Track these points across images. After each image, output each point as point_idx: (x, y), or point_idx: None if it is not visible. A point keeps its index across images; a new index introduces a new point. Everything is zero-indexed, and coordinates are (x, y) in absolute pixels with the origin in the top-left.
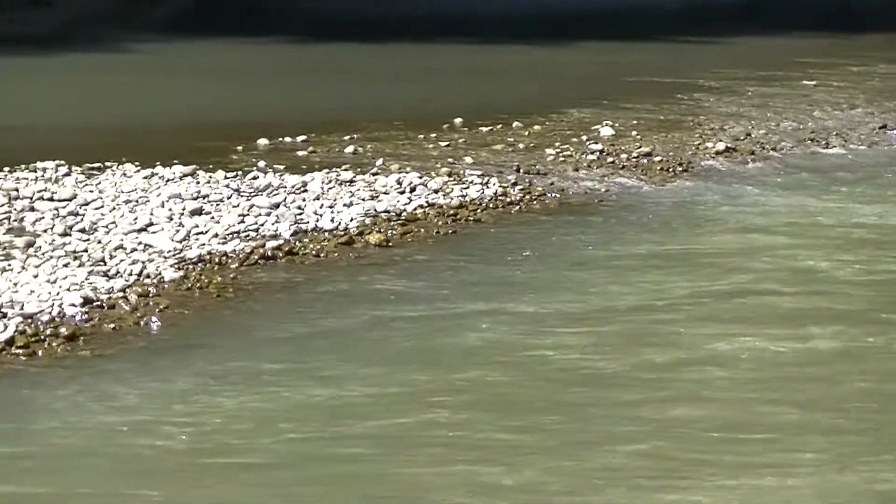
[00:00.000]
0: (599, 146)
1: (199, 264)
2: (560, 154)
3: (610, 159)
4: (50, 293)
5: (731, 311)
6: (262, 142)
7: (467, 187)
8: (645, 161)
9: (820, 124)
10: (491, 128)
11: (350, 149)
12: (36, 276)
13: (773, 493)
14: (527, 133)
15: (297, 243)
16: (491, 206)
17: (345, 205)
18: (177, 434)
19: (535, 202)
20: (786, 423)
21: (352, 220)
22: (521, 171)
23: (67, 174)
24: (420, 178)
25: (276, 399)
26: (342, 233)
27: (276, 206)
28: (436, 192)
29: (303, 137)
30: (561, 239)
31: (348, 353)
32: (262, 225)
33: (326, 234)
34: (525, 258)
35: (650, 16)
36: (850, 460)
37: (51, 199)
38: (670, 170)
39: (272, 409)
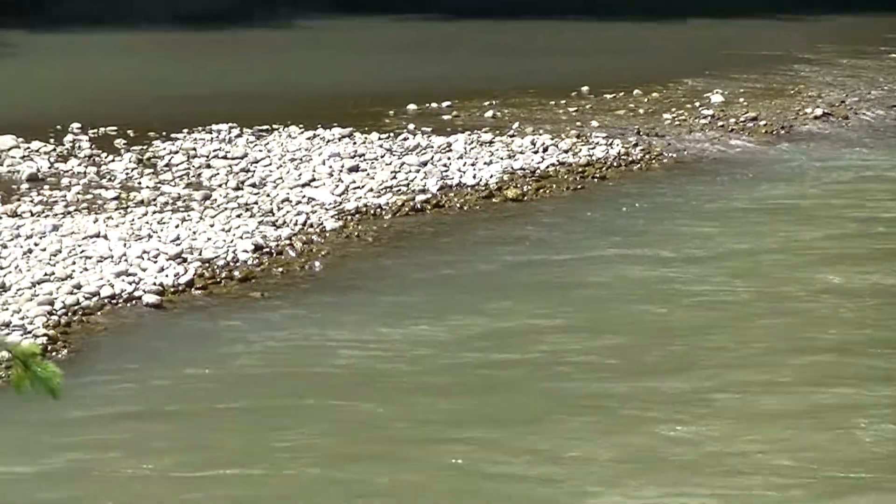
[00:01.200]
0: (710, 111)
1: (356, 215)
2: (676, 118)
3: (720, 123)
4: (224, 241)
5: (838, 250)
6: (412, 107)
7: (593, 148)
8: (751, 125)
9: None
10: (614, 95)
11: (489, 113)
12: (212, 226)
13: None
14: (646, 100)
15: (442, 197)
16: (614, 164)
17: (485, 163)
18: (347, 357)
19: (653, 161)
20: None
21: (491, 176)
22: (641, 133)
23: (239, 135)
24: (552, 139)
25: (434, 329)
26: (483, 188)
27: (424, 164)
28: (566, 151)
29: (447, 103)
30: (676, 193)
31: (492, 290)
32: (412, 181)
33: (469, 189)
34: (643, 208)
35: None
36: None
37: (225, 158)
38: (773, 132)
39: (433, 337)
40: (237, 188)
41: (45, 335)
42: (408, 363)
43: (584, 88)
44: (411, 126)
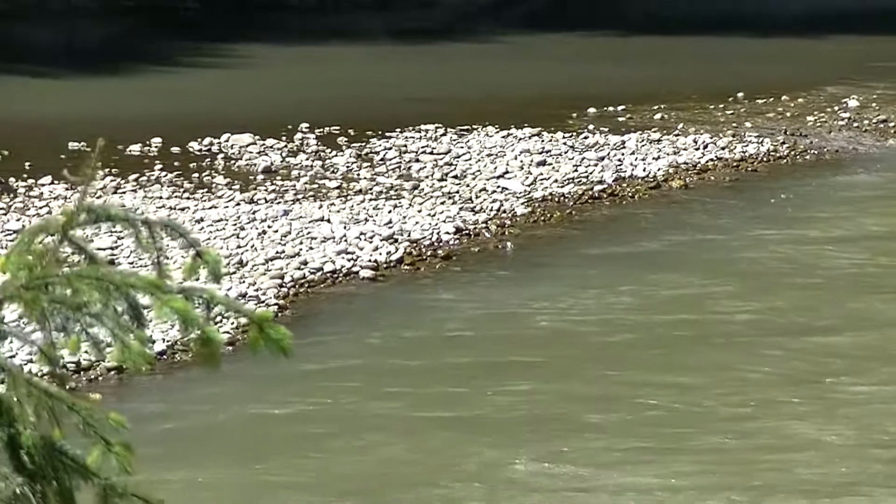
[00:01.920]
0: (847, 114)
1: (543, 203)
2: (817, 120)
3: (855, 124)
4: (430, 224)
5: None
6: (591, 110)
7: (747, 145)
8: (882, 126)
9: None
10: (765, 100)
11: (658, 116)
12: (419, 212)
13: None
14: (792, 104)
15: (617, 187)
16: (765, 159)
17: (653, 158)
18: (541, 320)
19: (798, 157)
20: None
21: (659, 169)
22: (788, 133)
23: (444, 134)
24: (711, 138)
25: (615, 297)
26: (651, 179)
27: (602, 159)
28: (723, 148)
29: (622, 107)
30: (819, 184)
31: (660, 265)
32: (591, 173)
33: (639, 180)
34: (791, 197)
35: (890, 15)
36: None
37: (431, 153)
38: None
39: (616, 303)
40: (441, 179)
41: (275, 304)
42: (596, 325)
43: (740, 94)
44: (591, 126)
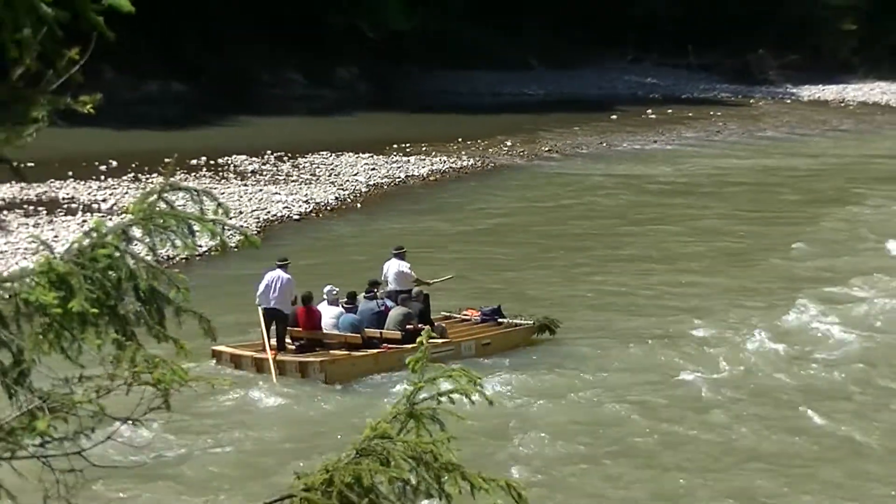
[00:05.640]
0: (508, 147)
1: (374, 187)
2: (495, 151)
3: (512, 152)
4: (324, 194)
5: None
6: (395, 145)
7: (461, 161)
8: (529, 153)
9: None
10: (474, 142)
11: (423, 147)
12: (319, 189)
13: None
14: (484, 142)
15: (407, 180)
16: (469, 168)
17: (421, 166)
18: (376, 236)
19: (481, 168)
20: None
21: (422, 171)
22: (480, 157)
23: (331, 156)
24: (445, 158)
25: (407, 224)
26: (419, 176)
27: (399, 167)
28: (451, 163)
29: (409, 145)
30: (496, 179)
31: (429, 213)
32: (395, 174)
33: (415, 177)
34: (474, 185)
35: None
36: None
37: (325, 164)
38: (548, 153)
39: (407, 228)
40: (329, 176)
41: (256, 229)
42: (391, 234)
43: (460, 139)
44: (395, 153)
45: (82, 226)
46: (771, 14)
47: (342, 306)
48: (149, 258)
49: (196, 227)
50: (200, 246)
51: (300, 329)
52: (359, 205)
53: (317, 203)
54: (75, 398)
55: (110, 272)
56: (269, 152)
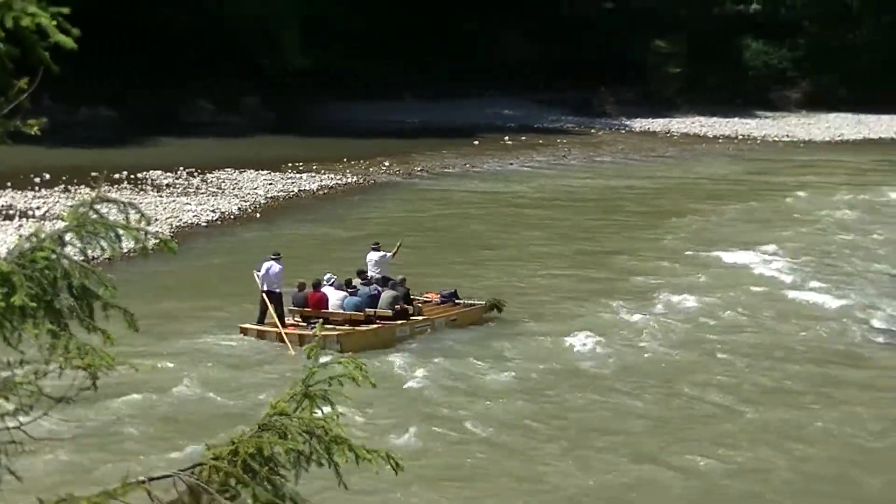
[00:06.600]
0: (385, 167)
1: (271, 199)
2: (375, 170)
3: (390, 171)
4: (228, 205)
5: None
6: (290, 164)
7: (346, 178)
8: (402, 171)
9: None
10: (356, 162)
11: (313, 167)
12: (224, 200)
13: None
14: (364, 163)
15: (299, 193)
16: (352, 184)
17: (313, 181)
18: (275, 239)
19: (365, 183)
20: None
21: (313, 185)
22: (361, 175)
23: (235, 172)
24: (333, 175)
25: (292, 232)
26: (313, 190)
27: (293, 182)
28: (338, 179)
29: (302, 164)
30: (375, 196)
31: (321, 221)
32: (289, 188)
33: (307, 191)
34: (364, 198)
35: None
36: None
37: (230, 179)
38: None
39: (294, 233)
40: (232, 188)
41: (170, 234)
42: (291, 238)
43: (345, 159)
44: (290, 170)
45: (19, 230)
46: (611, 58)
47: (346, 290)
48: (80, 259)
49: (122, 233)
50: (124, 250)
51: (310, 309)
52: (258, 214)
53: (222, 212)
54: (16, 380)
55: (47, 271)
56: (181, 168)
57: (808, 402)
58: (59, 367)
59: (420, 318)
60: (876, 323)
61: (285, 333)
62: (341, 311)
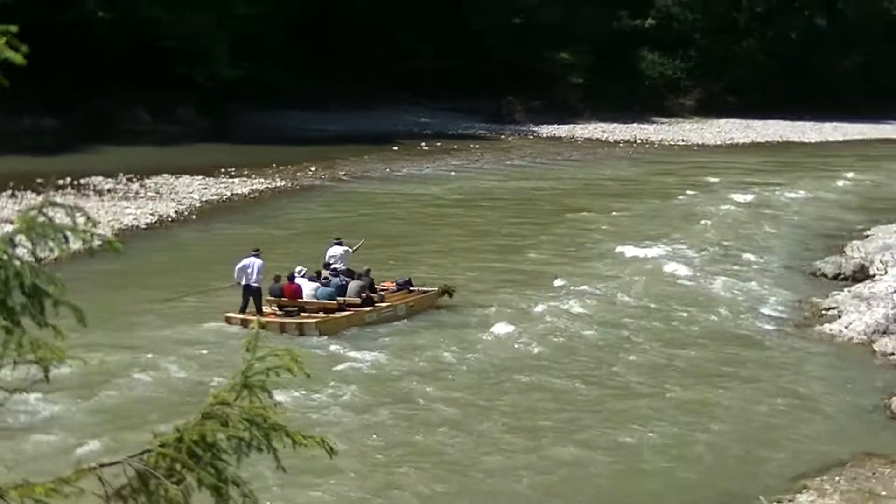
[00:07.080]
0: (318, 175)
1: (205, 202)
2: (323, 173)
3: (324, 176)
4: (166, 208)
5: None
6: (223, 169)
7: (286, 182)
8: (336, 176)
9: None
10: (296, 167)
11: (245, 172)
12: (162, 204)
13: None
14: (314, 168)
15: (232, 197)
16: (288, 187)
17: (249, 184)
18: (217, 239)
19: (306, 183)
20: None
21: (246, 189)
22: (307, 178)
23: (171, 178)
24: (264, 179)
25: (233, 232)
26: (247, 193)
27: (226, 187)
28: (269, 184)
29: (234, 169)
30: (316, 194)
31: (259, 221)
32: (222, 192)
33: (241, 195)
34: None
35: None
36: None
37: (168, 184)
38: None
39: (237, 232)
40: (169, 193)
41: (113, 236)
42: (227, 238)
43: (281, 168)
44: (226, 175)
45: None
46: (519, 69)
47: (319, 281)
48: (30, 259)
49: (69, 235)
50: (72, 250)
51: (286, 299)
52: (194, 217)
53: (160, 215)
54: None
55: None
56: (121, 174)
57: (717, 381)
58: (13, 361)
59: (384, 304)
60: (765, 310)
61: (267, 321)
62: (315, 300)
